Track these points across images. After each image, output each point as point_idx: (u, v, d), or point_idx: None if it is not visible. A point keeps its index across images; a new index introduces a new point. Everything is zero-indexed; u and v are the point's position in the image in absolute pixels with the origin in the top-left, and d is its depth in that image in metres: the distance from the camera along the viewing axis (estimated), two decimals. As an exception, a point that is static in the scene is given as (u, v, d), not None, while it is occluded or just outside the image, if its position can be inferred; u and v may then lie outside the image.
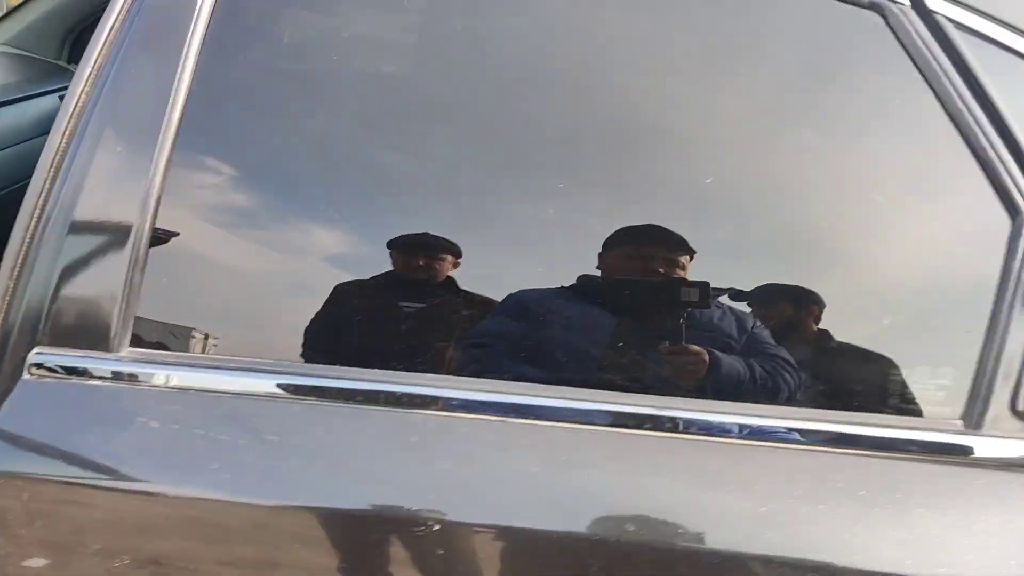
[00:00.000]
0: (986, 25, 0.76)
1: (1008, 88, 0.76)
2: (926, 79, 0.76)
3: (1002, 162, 0.75)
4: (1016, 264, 0.74)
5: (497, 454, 0.76)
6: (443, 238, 0.80)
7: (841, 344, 0.78)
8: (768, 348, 0.78)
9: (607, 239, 0.79)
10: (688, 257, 0.78)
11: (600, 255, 0.79)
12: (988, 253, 0.75)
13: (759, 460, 0.75)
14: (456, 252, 0.80)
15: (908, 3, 0.77)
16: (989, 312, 0.75)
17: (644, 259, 0.80)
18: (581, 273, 0.80)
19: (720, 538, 0.73)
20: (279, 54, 0.85)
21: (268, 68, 0.85)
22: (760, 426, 0.75)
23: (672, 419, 0.76)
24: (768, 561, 0.72)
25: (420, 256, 0.80)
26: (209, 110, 0.82)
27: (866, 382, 0.78)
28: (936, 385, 0.76)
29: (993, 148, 0.75)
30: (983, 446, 0.75)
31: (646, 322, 0.81)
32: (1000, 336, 0.74)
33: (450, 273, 0.81)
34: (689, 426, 0.75)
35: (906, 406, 0.77)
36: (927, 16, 0.77)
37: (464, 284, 0.81)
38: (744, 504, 0.74)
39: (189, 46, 0.81)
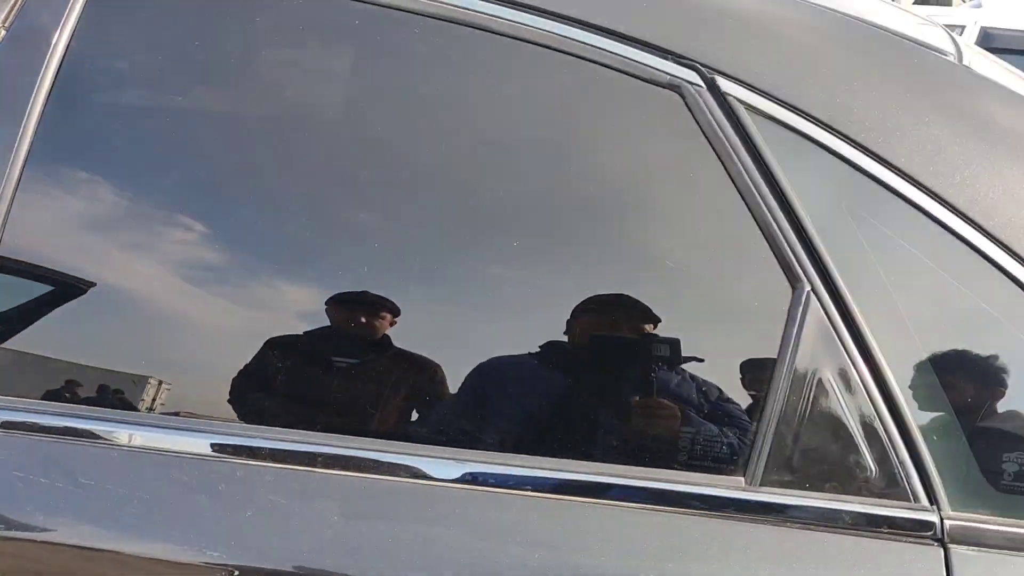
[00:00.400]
0: (773, 107, 0.82)
1: (791, 166, 0.81)
2: (718, 156, 0.82)
3: (784, 236, 0.80)
4: (794, 331, 0.79)
5: (300, 503, 0.79)
6: (382, 296, 0.83)
7: (634, 400, 0.83)
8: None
9: (576, 307, 0.82)
10: (653, 325, 0.82)
11: (569, 322, 0.82)
12: (772, 320, 0.80)
13: (550, 512, 0.79)
14: (395, 310, 0.83)
15: (704, 85, 0.83)
16: (770, 375, 0.79)
17: (612, 326, 0.83)
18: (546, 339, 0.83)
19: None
20: (122, 115, 0.89)
21: (109, 129, 0.89)
22: (547, 478, 0.79)
23: (469, 472, 0.79)
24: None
25: (360, 313, 0.83)
26: (50, 164, 0.87)
27: (658, 438, 0.82)
28: (723, 443, 0.81)
29: (776, 223, 0.80)
30: (762, 501, 0.79)
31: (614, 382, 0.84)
32: (779, 398, 0.79)
33: (387, 331, 0.83)
34: (478, 478, 0.79)
35: (695, 463, 0.81)
36: (720, 98, 0.83)
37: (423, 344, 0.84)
38: (535, 556, 0.78)
39: (33, 106, 0.85)
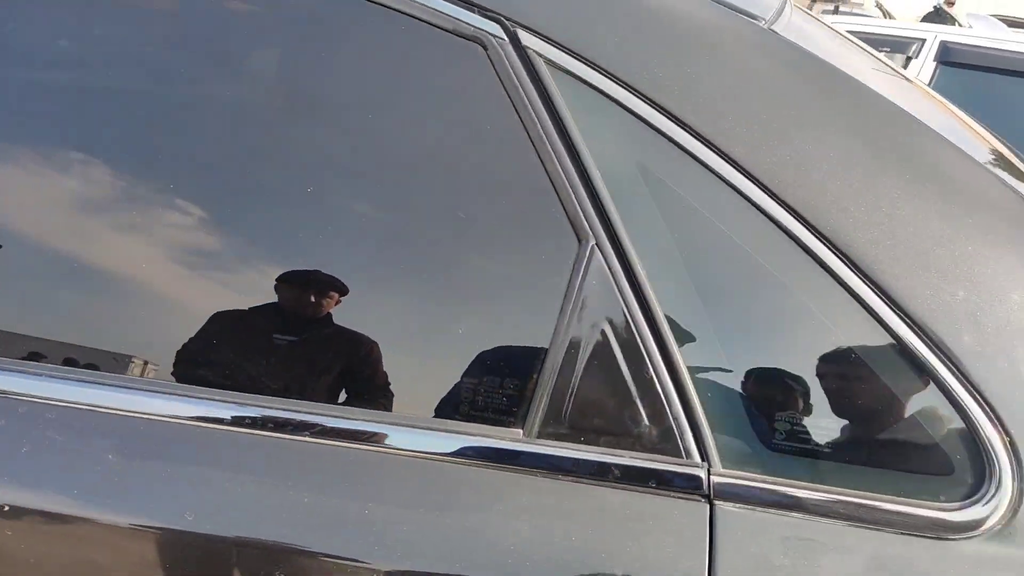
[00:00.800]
0: (572, 62, 0.82)
1: (586, 122, 0.81)
2: (516, 109, 0.82)
3: (573, 191, 0.80)
4: (577, 285, 0.79)
5: (78, 441, 0.79)
6: (332, 276, 0.83)
7: (426, 355, 0.82)
8: None
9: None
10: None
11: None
12: (557, 273, 0.80)
13: (332, 458, 0.79)
14: (342, 290, 0.82)
15: (506, 38, 0.83)
16: (552, 328, 0.79)
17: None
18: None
19: (271, 531, 0.77)
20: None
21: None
22: (335, 427, 0.79)
23: (247, 417, 0.79)
24: (312, 555, 0.76)
25: (311, 292, 0.82)
26: None
27: (440, 389, 0.82)
28: (503, 394, 0.80)
29: (567, 177, 0.80)
30: (538, 453, 0.78)
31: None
32: (560, 351, 0.79)
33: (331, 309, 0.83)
34: (266, 423, 0.79)
35: (476, 413, 0.80)
36: (521, 51, 0.83)
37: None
38: (304, 499, 0.77)
39: None
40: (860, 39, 3.80)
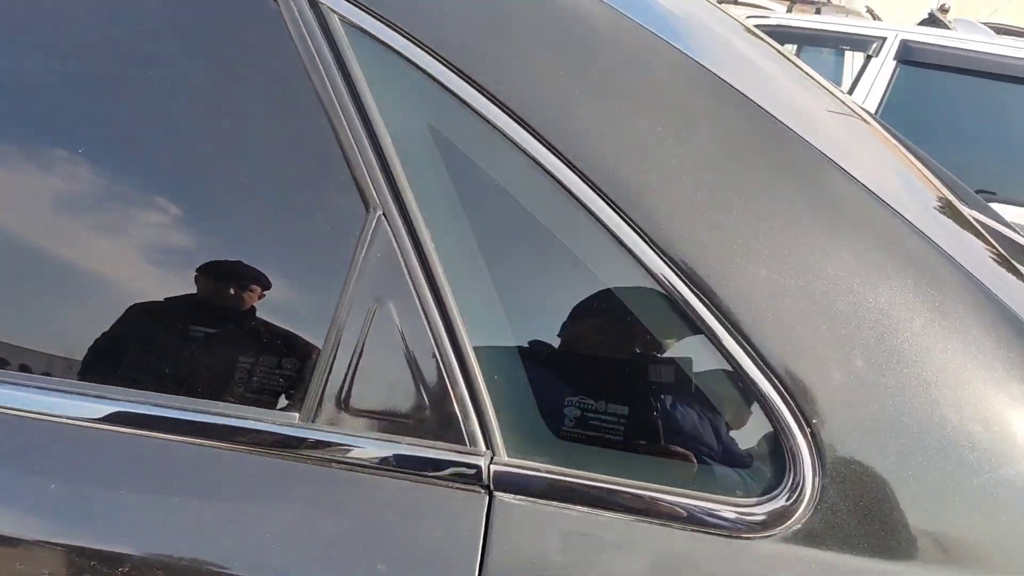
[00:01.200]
0: (367, 20, 0.76)
1: (380, 84, 0.75)
2: (306, 70, 0.76)
3: (363, 157, 0.74)
4: (362, 256, 0.73)
5: None
6: (254, 268, 0.76)
7: (194, 329, 0.77)
8: None
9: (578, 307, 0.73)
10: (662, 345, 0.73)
11: (564, 324, 0.73)
12: (342, 244, 0.74)
13: (90, 442, 0.73)
14: (265, 284, 0.76)
15: (300, -8, 0.77)
16: (335, 304, 0.73)
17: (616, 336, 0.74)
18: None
19: (34, 526, 0.71)
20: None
21: None
22: (89, 407, 0.73)
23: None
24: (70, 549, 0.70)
25: (231, 284, 0.76)
26: None
27: (213, 369, 0.76)
28: (279, 375, 0.74)
29: (356, 143, 0.74)
30: (313, 440, 0.73)
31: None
32: (340, 330, 0.73)
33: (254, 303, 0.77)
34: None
35: (251, 395, 0.75)
36: (315, 7, 0.77)
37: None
38: (51, 487, 0.71)
39: None
40: (822, 37, 3.75)
